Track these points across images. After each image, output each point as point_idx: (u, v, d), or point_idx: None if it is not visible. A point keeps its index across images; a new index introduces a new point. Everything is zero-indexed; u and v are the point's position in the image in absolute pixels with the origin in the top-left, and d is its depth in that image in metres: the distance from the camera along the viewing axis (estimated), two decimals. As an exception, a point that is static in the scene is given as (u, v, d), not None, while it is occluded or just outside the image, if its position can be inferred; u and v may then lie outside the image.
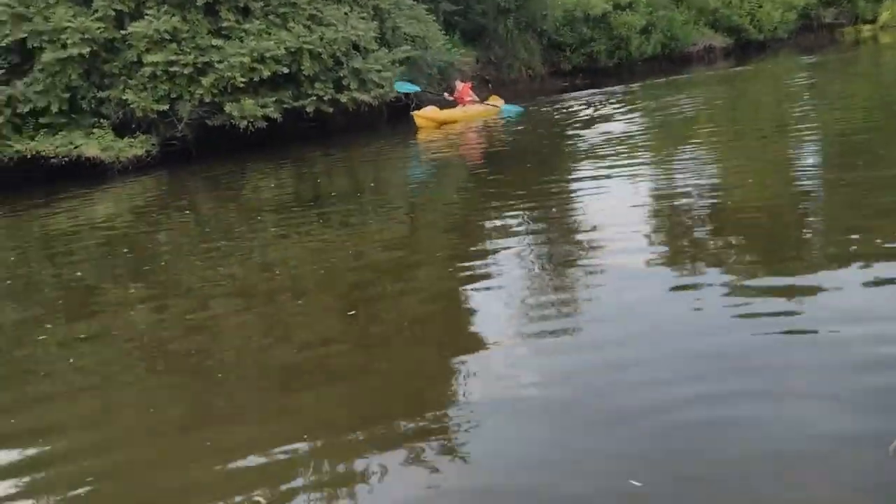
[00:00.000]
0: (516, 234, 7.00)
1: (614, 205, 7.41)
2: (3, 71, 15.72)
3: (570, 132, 14.35)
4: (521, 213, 7.79)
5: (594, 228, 6.69)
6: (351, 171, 13.68)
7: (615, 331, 4.37)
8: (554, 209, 7.75)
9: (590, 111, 17.02)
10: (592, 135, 12.97)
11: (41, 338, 5.65)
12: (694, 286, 4.89)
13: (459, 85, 19.06)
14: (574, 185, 9.12)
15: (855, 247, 5.15)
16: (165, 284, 6.94)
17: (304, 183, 12.79)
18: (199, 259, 7.83)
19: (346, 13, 17.59)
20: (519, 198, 8.62)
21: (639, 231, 6.34)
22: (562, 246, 6.36)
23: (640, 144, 11.79)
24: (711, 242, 5.91)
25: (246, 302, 5.99)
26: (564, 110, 18.37)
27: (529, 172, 10.62)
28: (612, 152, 10.97)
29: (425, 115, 17.37)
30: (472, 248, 6.85)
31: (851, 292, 4.41)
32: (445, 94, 18.83)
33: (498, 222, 7.61)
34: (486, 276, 5.76)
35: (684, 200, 7.25)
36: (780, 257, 5.33)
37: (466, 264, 6.17)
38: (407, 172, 12.90)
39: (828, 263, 5.02)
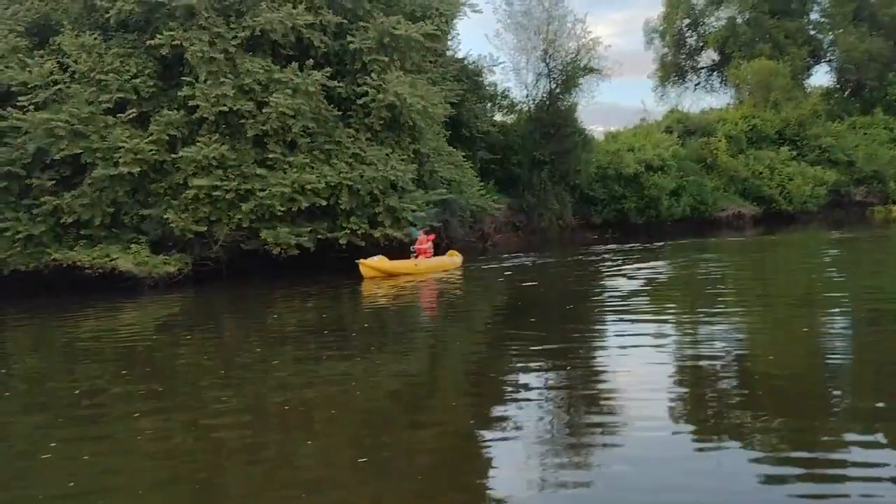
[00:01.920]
0: (534, 383, 6.87)
1: (637, 362, 7.29)
2: (53, 182, 16.40)
3: (596, 285, 14.41)
4: (539, 362, 7.67)
5: (616, 385, 6.55)
6: (375, 304, 13.74)
7: (633, 490, 4.19)
8: (574, 362, 7.63)
9: (618, 265, 17.14)
10: (618, 289, 12.98)
11: (51, 444, 5.55)
12: (717, 448, 4.77)
13: (422, 235, 18.21)
14: (596, 338, 9.05)
15: (881, 421, 4.98)
16: (177, 403, 6.85)
17: (328, 312, 12.84)
18: (214, 381, 7.75)
19: (387, 154, 18.29)
20: (538, 346, 8.52)
21: (661, 390, 6.20)
22: (581, 401, 6.21)
23: (665, 302, 11.76)
24: (736, 406, 5.75)
25: (255, 434, 5.86)
26: (593, 262, 18.52)
27: (551, 322, 10.58)
28: (637, 308, 10.93)
29: (372, 265, 16.41)
30: (488, 395, 6.71)
31: (880, 458, 4.27)
32: (413, 246, 17.94)
33: (516, 370, 7.50)
34: (501, 426, 5.62)
35: (709, 362, 7.13)
36: (807, 424, 5.18)
37: (481, 411, 6.04)
38: (430, 311, 12.92)
39: (854, 431, 4.86)
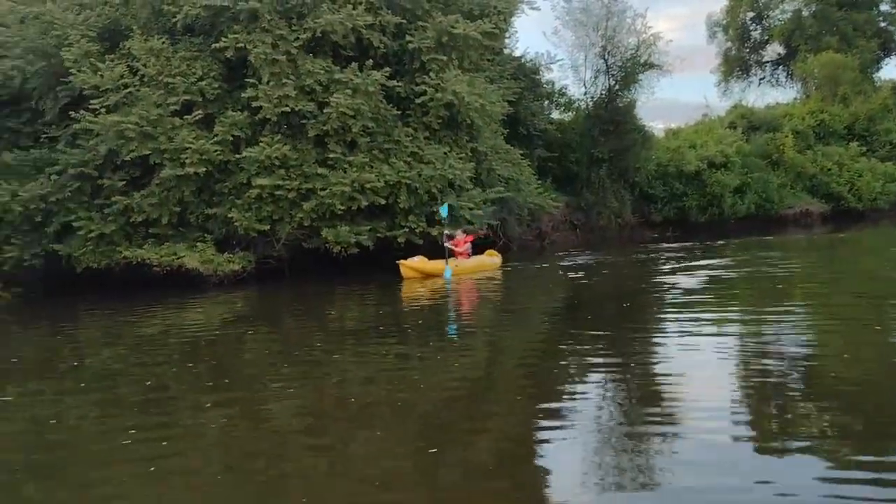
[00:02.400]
0: (594, 382, 6.83)
1: (699, 362, 7.16)
2: (123, 182, 16.97)
3: (656, 283, 14.20)
4: (598, 361, 7.62)
5: (677, 386, 6.45)
6: (434, 301, 13.81)
7: (692, 493, 4.13)
8: (633, 361, 7.55)
9: (678, 263, 16.86)
10: (679, 287, 12.78)
11: (131, 431, 5.78)
12: (783, 463, 4.60)
13: (461, 236, 17.80)
14: (658, 337, 8.93)
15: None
16: (242, 395, 7.03)
17: (388, 309, 12.98)
18: (277, 376, 7.92)
19: (445, 153, 18.36)
20: (599, 344, 8.48)
21: (725, 393, 6.08)
22: (642, 402, 6.14)
23: (728, 300, 11.53)
24: (803, 414, 5.55)
25: (318, 425, 5.99)
26: (652, 261, 18.28)
27: (611, 320, 10.48)
28: (699, 307, 10.74)
29: (412, 266, 16.34)
30: (548, 392, 6.71)
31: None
32: (445, 242, 17.35)
33: (574, 367, 7.47)
34: (560, 425, 5.60)
35: (775, 364, 6.95)
36: (878, 431, 5.00)
37: (540, 409, 6.03)
38: (489, 307, 12.94)
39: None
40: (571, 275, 16.22)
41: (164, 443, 5.62)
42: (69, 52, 17.23)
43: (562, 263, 18.63)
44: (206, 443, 5.63)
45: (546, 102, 29.52)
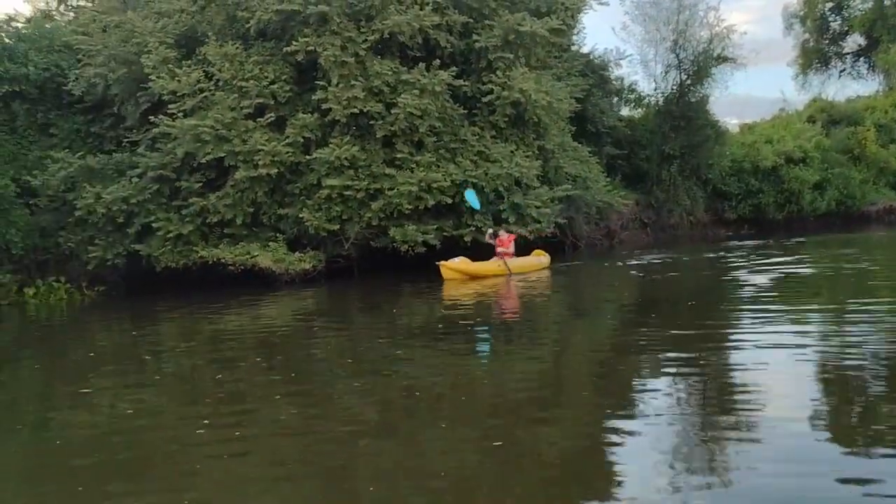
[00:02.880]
0: (663, 378, 6.72)
1: (774, 359, 6.94)
2: (199, 184, 17.51)
3: (730, 281, 13.86)
4: (669, 357, 7.49)
5: (751, 383, 6.26)
6: (500, 300, 13.82)
7: (770, 499, 4.02)
8: (705, 359, 7.37)
9: (753, 261, 16.41)
10: (754, 285, 12.44)
11: (204, 422, 5.98)
12: (864, 463, 4.43)
13: (504, 235, 17.25)
14: (731, 334, 8.72)
15: None
16: (310, 391, 7.19)
17: (453, 307, 13.03)
18: (345, 370, 8.06)
19: (512, 151, 18.33)
20: (668, 342, 8.33)
21: (802, 391, 5.89)
22: (714, 398, 6.01)
23: (807, 297, 11.17)
24: (886, 414, 5.31)
25: (385, 417, 6.08)
26: (727, 258, 17.83)
27: (683, 317, 10.28)
28: (776, 303, 10.44)
29: (454, 267, 15.99)
30: (616, 388, 6.64)
31: None
32: (488, 238, 17.10)
33: (643, 364, 7.37)
34: (629, 424, 5.51)
35: (855, 363, 6.70)
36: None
37: (608, 407, 5.97)
38: (550, 306, 12.86)
39: None
40: (641, 274, 15.96)
41: (237, 432, 5.80)
42: (148, 58, 17.84)
43: (630, 263, 18.35)
44: (276, 433, 5.77)
45: (615, 99, 29.12)
